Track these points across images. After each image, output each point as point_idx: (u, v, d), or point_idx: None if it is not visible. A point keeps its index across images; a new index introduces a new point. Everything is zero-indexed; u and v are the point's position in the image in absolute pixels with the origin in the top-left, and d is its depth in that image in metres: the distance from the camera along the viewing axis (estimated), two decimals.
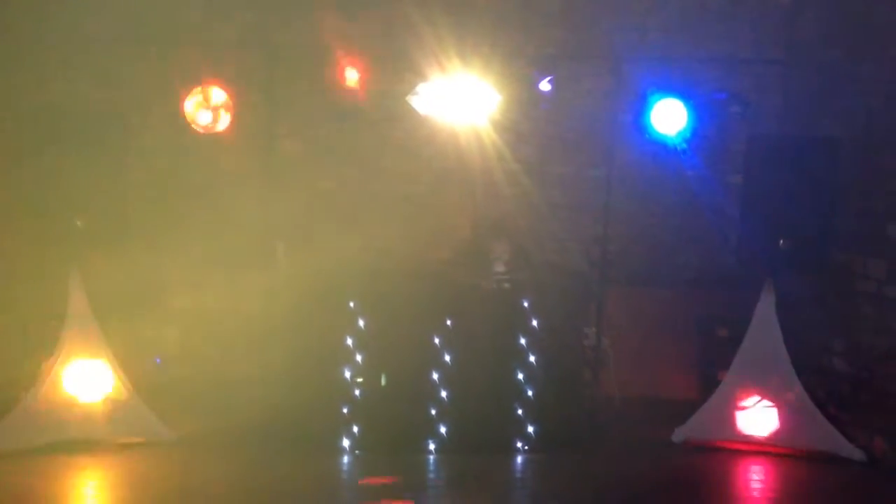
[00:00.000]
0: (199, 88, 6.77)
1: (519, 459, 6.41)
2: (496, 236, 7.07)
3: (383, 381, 6.38)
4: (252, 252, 7.12)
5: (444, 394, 6.39)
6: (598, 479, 6.07)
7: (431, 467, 6.27)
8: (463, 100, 6.88)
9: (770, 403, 6.46)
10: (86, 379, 6.23)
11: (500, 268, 6.83)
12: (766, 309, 6.50)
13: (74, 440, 6.18)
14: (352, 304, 6.36)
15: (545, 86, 7.08)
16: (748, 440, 6.53)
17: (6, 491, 5.58)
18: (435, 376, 6.38)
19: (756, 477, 6.22)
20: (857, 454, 6.34)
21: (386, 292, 6.41)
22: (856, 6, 6.83)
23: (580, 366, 6.83)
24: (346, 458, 6.29)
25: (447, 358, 6.38)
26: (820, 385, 6.74)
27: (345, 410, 6.34)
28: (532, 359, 6.43)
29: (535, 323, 6.43)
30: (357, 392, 6.34)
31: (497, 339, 6.42)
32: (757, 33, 7.68)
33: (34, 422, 6.13)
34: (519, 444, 6.45)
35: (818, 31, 7.33)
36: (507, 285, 6.58)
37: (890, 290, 6.24)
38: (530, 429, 6.45)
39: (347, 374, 6.33)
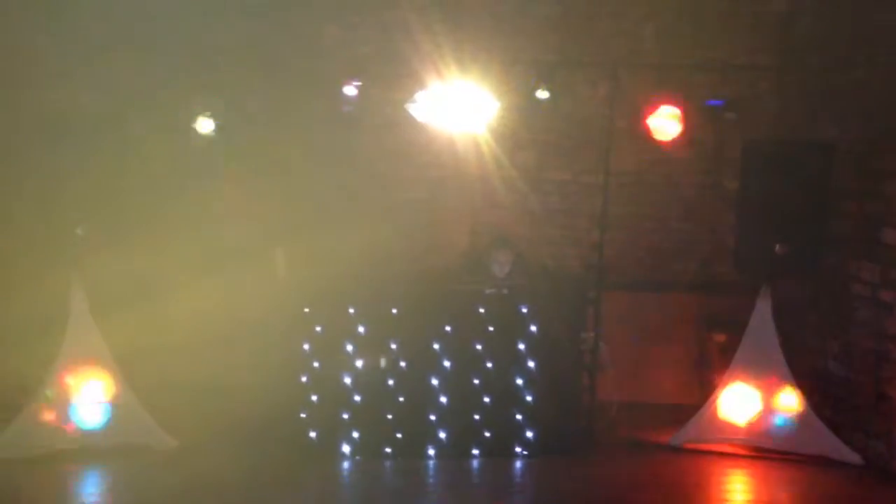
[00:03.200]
0: (200, 95, 6.82)
1: (518, 464, 6.44)
2: (495, 242, 7.11)
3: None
4: (252, 258, 7.15)
5: (443, 399, 6.43)
6: (596, 484, 6.09)
7: (431, 472, 6.30)
8: (461, 107, 6.92)
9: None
10: (88, 385, 6.26)
11: (498, 274, 6.87)
12: (762, 313, 6.55)
13: (76, 447, 6.21)
14: (351, 310, 6.40)
15: (542, 92, 7.12)
16: (745, 444, 6.57)
17: (9, 498, 5.61)
18: (434, 382, 6.42)
19: (753, 481, 6.26)
20: (854, 457, 6.38)
21: (385, 298, 6.45)
22: (849, 12, 6.88)
23: (578, 371, 6.87)
24: (346, 464, 6.33)
25: (446, 363, 6.43)
26: (816, 388, 6.78)
27: (345, 416, 6.38)
28: (531, 364, 6.47)
29: (533, 328, 6.47)
30: (357, 398, 6.38)
31: (496, 344, 6.46)
32: (752, 39, 7.72)
33: (37, 429, 6.16)
34: (518, 449, 6.49)
35: (813, 37, 7.38)
36: (505, 291, 6.62)
37: (885, 294, 6.28)
38: (529, 434, 6.49)
39: (348, 380, 6.37)
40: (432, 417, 6.42)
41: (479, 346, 6.44)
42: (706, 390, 6.83)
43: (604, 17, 7.71)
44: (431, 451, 6.42)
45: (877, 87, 6.47)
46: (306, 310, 6.39)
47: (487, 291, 6.59)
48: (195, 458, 6.25)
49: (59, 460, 6.09)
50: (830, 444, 6.44)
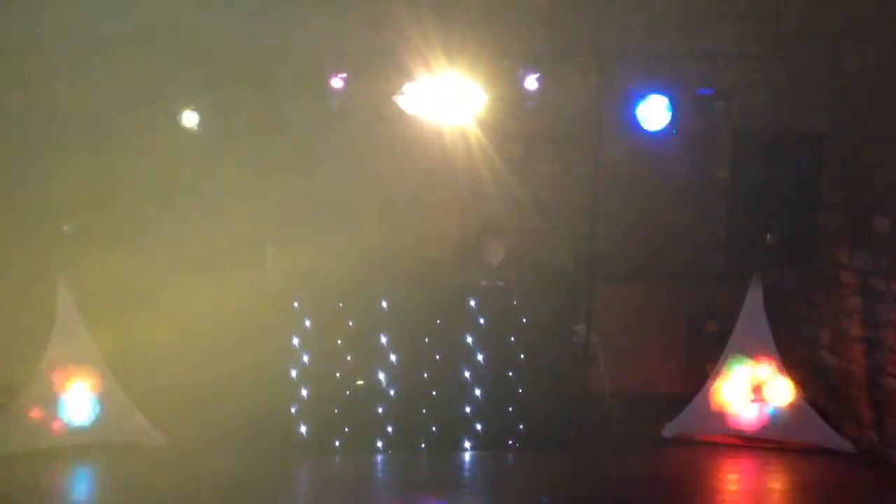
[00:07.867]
0: (187, 91, 6.77)
1: (510, 456, 6.43)
2: (487, 235, 7.09)
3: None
4: (241, 254, 7.12)
5: (434, 392, 6.40)
6: (588, 476, 6.09)
7: (422, 466, 6.28)
8: (450, 99, 6.89)
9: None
10: (75, 383, 6.22)
11: (492, 261, 6.86)
12: (754, 303, 6.55)
13: (64, 444, 6.17)
14: (341, 304, 6.37)
15: (531, 84, 7.09)
16: (738, 434, 6.57)
17: None
18: (425, 375, 6.39)
19: (746, 470, 6.26)
20: (846, 446, 6.39)
21: (375, 293, 6.42)
22: (840, 2, 6.87)
23: (570, 363, 6.85)
24: (337, 459, 6.30)
25: (437, 356, 6.40)
26: (808, 377, 6.79)
27: (335, 410, 6.35)
28: (522, 356, 6.45)
29: (524, 321, 6.45)
30: (348, 392, 6.35)
31: (487, 337, 6.44)
32: (741, 29, 7.70)
33: (24, 427, 6.12)
34: (509, 442, 6.47)
35: (802, 26, 7.37)
36: (496, 284, 6.60)
37: (876, 282, 6.28)
38: (521, 426, 6.47)
39: (338, 375, 6.34)
40: (423, 411, 6.40)
41: (470, 339, 6.42)
42: (698, 381, 6.82)
43: (593, 8, 7.67)
44: (423, 445, 6.40)
45: (867, 78, 6.47)
46: (295, 304, 6.36)
47: (478, 284, 6.57)
48: (185, 455, 6.22)
49: (46, 458, 6.05)
50: (822, 433, 6.45)
